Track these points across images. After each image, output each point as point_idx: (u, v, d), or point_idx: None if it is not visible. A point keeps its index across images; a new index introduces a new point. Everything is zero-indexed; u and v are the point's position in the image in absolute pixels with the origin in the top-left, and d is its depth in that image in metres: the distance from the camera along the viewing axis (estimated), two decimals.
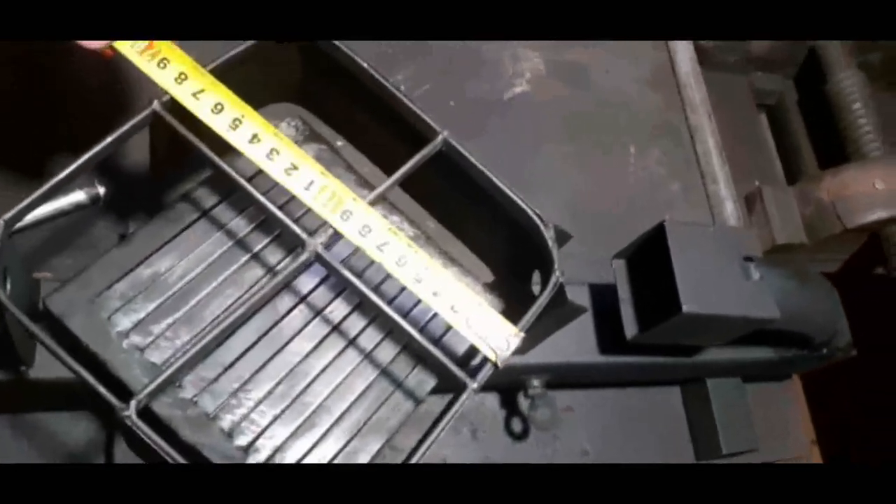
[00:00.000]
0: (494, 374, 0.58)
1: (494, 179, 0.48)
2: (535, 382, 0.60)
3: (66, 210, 0.57)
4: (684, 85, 0.86)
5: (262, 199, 0.44)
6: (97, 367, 0.43)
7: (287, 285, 0.48)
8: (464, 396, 0.42)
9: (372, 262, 0.47)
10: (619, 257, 0.57)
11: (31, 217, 0.49)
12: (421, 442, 0.42)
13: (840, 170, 0.74)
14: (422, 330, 0.47)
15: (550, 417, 0.60)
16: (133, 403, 0.37)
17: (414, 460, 0.41)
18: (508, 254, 0.54)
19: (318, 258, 0.44)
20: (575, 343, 0.60)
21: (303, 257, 0.43)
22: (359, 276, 0.45)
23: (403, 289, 0.49)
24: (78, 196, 0.57)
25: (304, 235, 0.43)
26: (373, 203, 0.45)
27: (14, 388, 0.48)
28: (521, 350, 0.54)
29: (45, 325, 0.43)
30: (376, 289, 0.48)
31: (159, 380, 0.38)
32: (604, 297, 0.61)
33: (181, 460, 0.37)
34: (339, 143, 0.57)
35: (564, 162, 0.79)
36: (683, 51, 0.87)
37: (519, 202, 0.48)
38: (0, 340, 0.43)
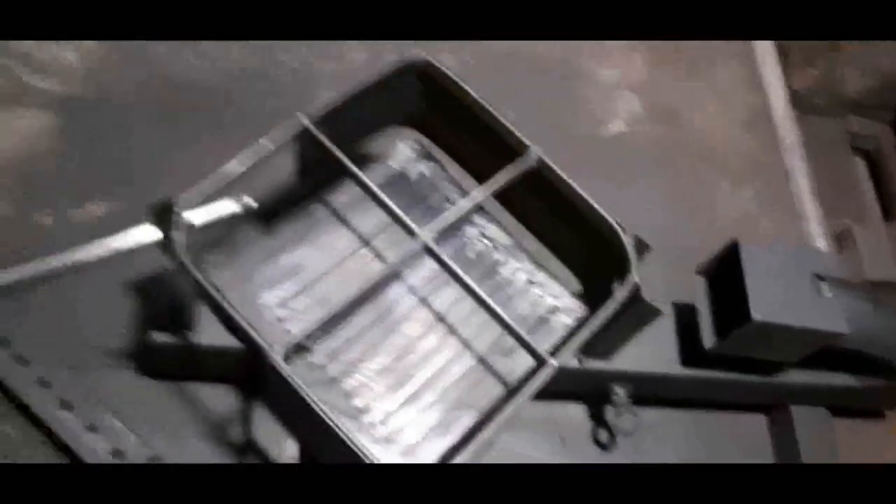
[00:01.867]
0: (580, 379, 0.64)
1: (579, 191, 0.55)
2: (620, 391, 0.66)
3: (221, 218, 0.68)
4: (778, 127, 0.90)
5: (383, 196, 0.53)
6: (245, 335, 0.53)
7: (399, 273, 0.56)
8: (544, 371, 0.49)
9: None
10: (699, 274, 0.63)
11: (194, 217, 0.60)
12: (501, 407, 0.48)
13: None
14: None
15: (633, 425, 0.65)
16: (281, 350, 0.46)
17: (493, 426, 0.46)
18: (593, 264, 0.60)
19: (427, 249, 0.52)
20: (657, 354, 0.65)
21: (413, 246, 0.51)
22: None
23: None
24: (231, 205, 0.68)
25: (415, 228, 0.52)
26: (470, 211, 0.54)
27: (180, 353, 0.58)
28: (604, 356, 0.61)
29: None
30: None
31: (301, 336, 0.47)
32: (687, 316, 0.65)
33: (318, 404, 0.45)
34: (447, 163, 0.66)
35: (657, 197, 0.84)
36: (777, 94, 0.92)
37: (600, 212, 0.55)
38: (170, 309, 0.54)
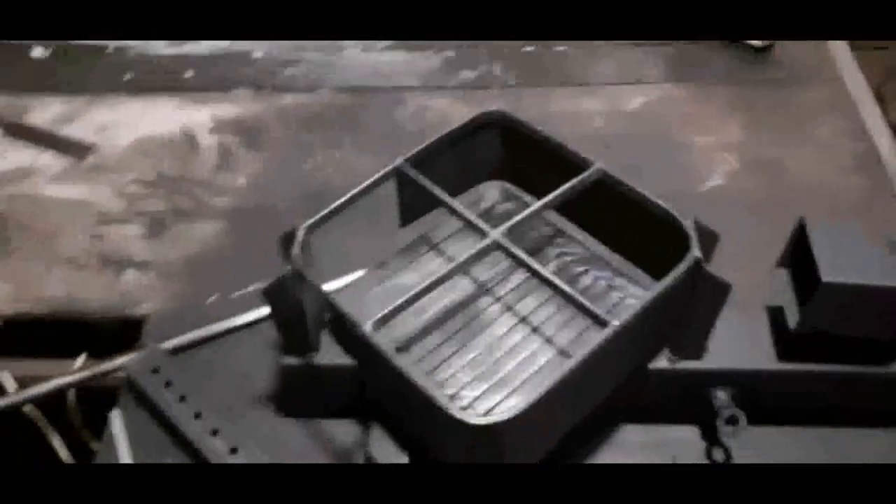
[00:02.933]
0: (676, 384, 0.65)
1: (640, 190, 0.61)
2: (721, 395, 0.65)
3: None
4: (887, 165, 0.90)
5: (458, 206, 0.61)
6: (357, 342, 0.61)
7: (481, 282, 0.64)
8: (604, 332, 0.52)
9: None
10: (779, 266, 0.64)
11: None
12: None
13: None
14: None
15: (740, 430, 0.64)
16: (370, 323, 0.54)
17: (553, 380, 0.50)
18: (661, 260, 0.63)
19: (498, 245, 0.59)
20: (752, 350, 0.64)
21: (486, 242, 0.59)
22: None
23: None
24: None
25: (486, 228, 0.60)
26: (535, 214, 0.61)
27: (302, 373, 0.67)
28: (694, 354, 0.63)
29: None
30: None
31: (386, 311, 0.55)
32: (782, 317, 0.65)
33: (401, 366, 0.52)
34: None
35: (757, 242, 0.84)
36: (881, 136, 0.92)
37: (661, 204, 0.60)
38: (295, 330, 0.64)
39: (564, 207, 0.71)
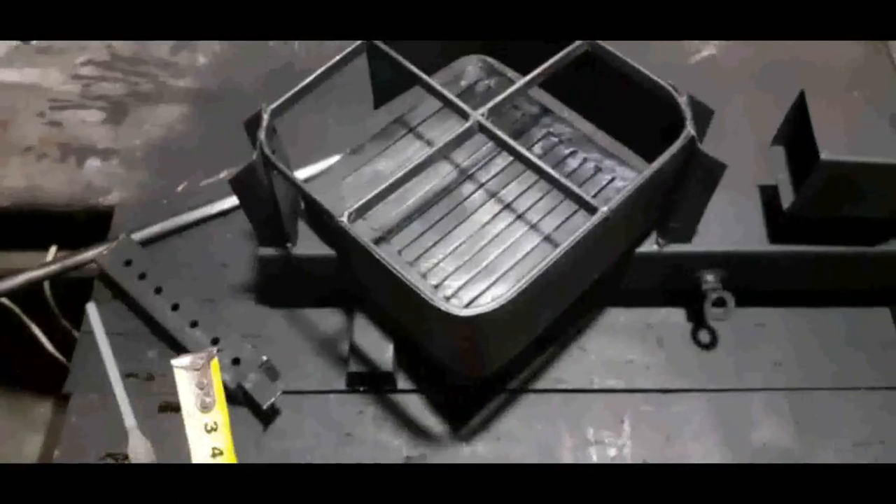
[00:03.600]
0: (665, 266, 0.64)
1: (632, 62, 0.57)
2: (710, 277, 0.64)
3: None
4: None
5: (437, 85, 0.57)
6: (334, 233, 0.58)
7: (453, 156, 0.61)
8: (594, 218, 0.50)
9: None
10: (776, 143, 0.61)
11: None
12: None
13: None
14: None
15: (728, 313, 0.63)
16: (346, 212, 0.51)
17: (543, 264, 0.48)
18: (653, 139, 0.60)
19: (480, 127, 0.55)
20: (744, 234, 0.63)
21: (467, 125, 0.55)
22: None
23: None
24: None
25: (468, 109, 0.56)
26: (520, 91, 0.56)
27: (280, 264, 0.65)
28: (685, 236, 0.61)
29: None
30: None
31: (363, 200, 0.52)
32: (774, 195, 0.63)
33: (379, 254, 0.49)
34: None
35: (752, 117, 0.80)
36: None
37: (654, 78, 0.56)
38: (269, 220, 0.61)
39: (551, 84, 0.67)
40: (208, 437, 0.61)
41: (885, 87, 0.81)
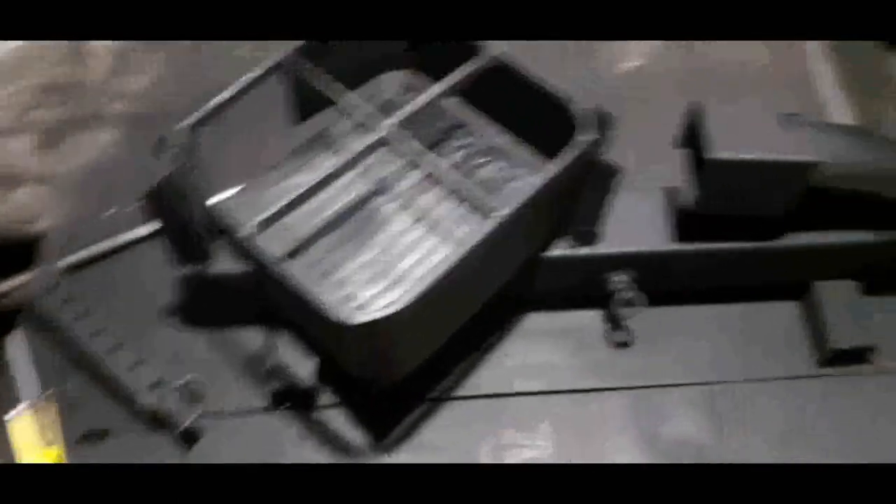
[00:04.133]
0: (576, 269, 0.66)
1: (532, 75, 0.59)
2: (620, 279, 0.66)
3: None
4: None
5: (347, 98, 0.58)
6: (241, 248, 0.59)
7: (371, 168, 0.62)
8: (488, 222, 0.51)
9: None
10: (678, 146, 0.63)
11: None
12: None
13: None
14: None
15: (637, 311, 0.65)
16: (248, 227, 0.52)
17: (437, 271, 0.49)
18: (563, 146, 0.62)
19: (388, 140, 0.57)
20: (650, 233, 0.65)
21: (374, 138, 0.57)
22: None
23: None
24: None
25: (375, 123, 0.57)
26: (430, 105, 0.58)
27: (198, 282, 0.66)
28: (591, 239, 0.63)
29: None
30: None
31: (266, 214, 0.53)
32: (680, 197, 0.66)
33: (281, 268, 0.51)
34: None
35: (666, 122, 0.83)
36: None
37: (553, 88, 0.58)
38: (184, 238, 0.62)
39: (470, 95, 0.69)
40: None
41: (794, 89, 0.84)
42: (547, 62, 0.63)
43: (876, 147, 0.59)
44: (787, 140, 0.55)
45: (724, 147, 0.55)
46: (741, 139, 0.56)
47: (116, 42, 0.94)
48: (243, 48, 0.92)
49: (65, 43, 0.94)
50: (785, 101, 0.84)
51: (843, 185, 0.58)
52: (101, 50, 0.94)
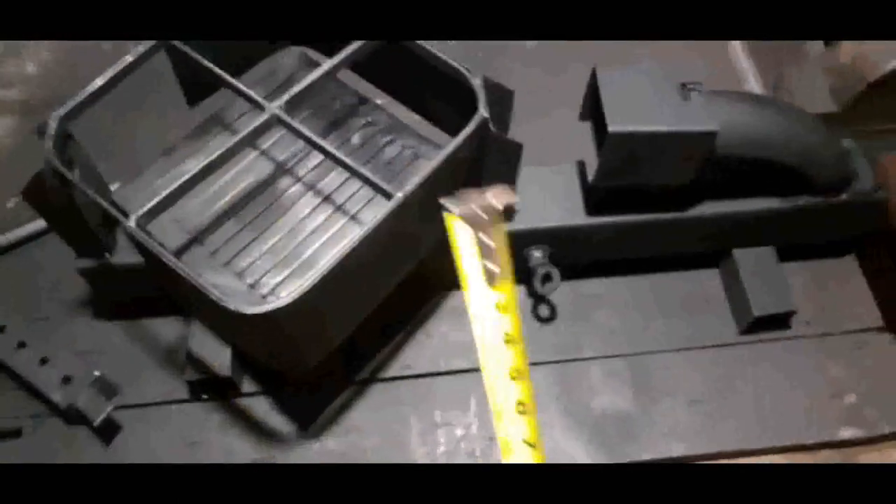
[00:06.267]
0: None
1: (430, 49, 0.57)
2: (536, 253, 0.65)
3: None
4: None
5: (233, 80, 0.56)
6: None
7: (271, 151, 0.61)
8: (391, 203, 0.50)
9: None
10: (582, 119, 0.62)
11: None
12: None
13: None
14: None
15: (553, 287, 0.65)
16: (133, 217, 0.50)
17: (336, 253, 0.47)
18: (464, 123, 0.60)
19: (279, 119, 0.54)
20: (562, 209, 0.64)
21: (264, 118, 0.54)
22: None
23: None
24: None
25: (263, 102, 0.55)
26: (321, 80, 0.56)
27: (100, 275, 0.63)
28: (505, 218, 0.61)
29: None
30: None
31: (153, 202, 0.51)
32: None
33: (168, 257, 0.48)
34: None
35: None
36: None
37: (450, 62, 0.56)
38: (74, 231, 0.58)
39: (370, 72, 0.66)
40: (499, 320, 0.49)
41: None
42: None
43: (772, 114, 0.58)
44: (687, 112, 0.54)
45: (621, 119, 0.53)
46: (642, 110, 0.54)
47: None
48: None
49: None
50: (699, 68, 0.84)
51: (742, 152, 0.57)
52: None
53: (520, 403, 0.49)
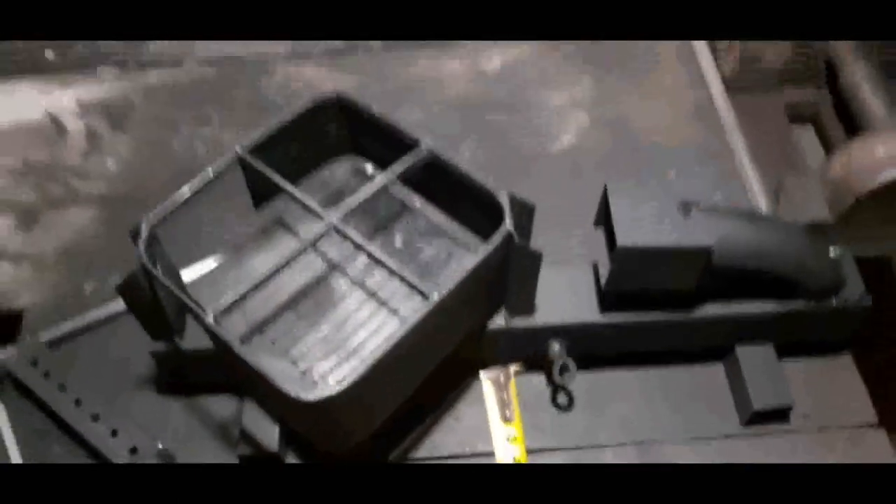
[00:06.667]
0: (515, 339, 0.72)
1: (462, 168, 0.66)
2: (556, 347, 0.73)
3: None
4: (719, 109, 0.97)
5: (295, 191, 0.65)
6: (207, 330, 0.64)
7: (325, 250, 0.71)
8: (427, 304, 0.58)
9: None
10: (596, 225, 0.70)
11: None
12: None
13: (847, 145, 0.80)
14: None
15: (571, 378, 0.72)
16: (212, 313, 0.58)
17: (379, 350, 0.55)
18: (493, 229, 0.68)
19: (336, 228, 0.64)
20: (578, 307, 0.72)
21: (323, 228, 0.63)
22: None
23: None
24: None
25: (321, 212, 0.64)
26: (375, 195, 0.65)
27: (170, 358, 0.71)
28: (525, 311, 0.69)
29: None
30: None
31: (230, 300, 0.59)
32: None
33: (242, 349, 0.57)
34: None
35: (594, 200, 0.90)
36: (713, 81, 0.99)
37: (479, 180, 0.65)
38: (154, 320, 0.67)
39: (411, 182, 0.76)
40: (511, 447, 0.72)
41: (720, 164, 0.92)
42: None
43: (766, 228, 0.66)
44: (685, 228, 0.62)
45: (629, 234, 0.62)
46: (647, 225, 0.63)
47: (89, 122, 1.01)
48: (207, 128, 1.00)
49: (43, 124, 1.01)
50: (711, 172, 0.93)
51: (738, 263, 0.65)
52: (74, 130, 1.01)
53: None
